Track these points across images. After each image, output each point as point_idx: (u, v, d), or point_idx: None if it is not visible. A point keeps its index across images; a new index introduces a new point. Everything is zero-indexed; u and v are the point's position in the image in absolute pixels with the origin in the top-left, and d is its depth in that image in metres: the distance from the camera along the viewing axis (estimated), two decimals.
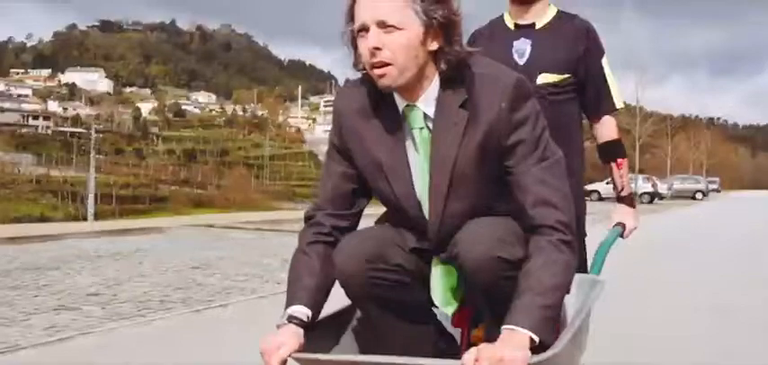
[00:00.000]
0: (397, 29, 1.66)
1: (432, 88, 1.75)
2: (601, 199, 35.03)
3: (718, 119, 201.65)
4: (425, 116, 1.77)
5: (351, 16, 1.74)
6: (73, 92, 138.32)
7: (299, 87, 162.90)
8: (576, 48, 2.56)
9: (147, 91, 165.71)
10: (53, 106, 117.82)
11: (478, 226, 1.73)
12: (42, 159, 78.89)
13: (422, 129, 1.77)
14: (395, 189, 1.80)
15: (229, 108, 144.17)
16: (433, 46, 1.71)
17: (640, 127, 49.81)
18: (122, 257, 9.26)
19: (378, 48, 1.66)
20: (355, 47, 1.76)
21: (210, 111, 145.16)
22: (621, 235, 2.64)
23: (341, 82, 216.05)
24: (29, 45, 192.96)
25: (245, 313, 5.90)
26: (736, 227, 17.76)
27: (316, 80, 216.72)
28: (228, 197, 65.36)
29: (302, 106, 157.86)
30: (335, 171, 1.88)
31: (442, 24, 1.69)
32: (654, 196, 39.56)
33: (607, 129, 2.68)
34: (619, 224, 2.65)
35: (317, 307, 1.80)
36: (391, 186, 1.80)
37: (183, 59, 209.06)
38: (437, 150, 1.75)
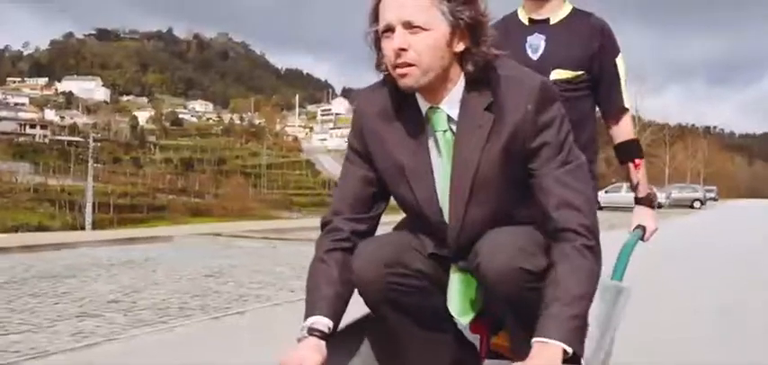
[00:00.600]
0: (424, 29, 1.62)
1: (456, 90, 1.72)
2: (600, 208, 35.10)
3: (715, 127, 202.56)
4: (449, 118, 1.73)
5: (375, 17, 1.70)
6: (69, 100, 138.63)
7: (297, 96, 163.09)
8: (591, 45, 2.52)
9: (144, 99, 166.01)
10: (50, 115, 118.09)
11: (500, 235, 1.69)
12: (40, 168, 79.17)
13: (445, 131, 1.74)
14: (416, 193, 1.76)
15: (226, 117, 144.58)
16: (459, 47, 1.68)
17: (639, 136, 50.02)
18: (135, 265, 9.36)
19: (403, 49, 1.62)
20: (379, 48, 1.73)
21: (208, 119, 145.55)
22: (642, 239, 2.59)
23: (338, 91, 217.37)
24: (25, 53, 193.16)
25: (262, 320, 6.01)
26: (737, 233, 17.92)
27: (313, 89, 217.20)
28: (226, 206, 65.69)
29: (299, 115, 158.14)
30: (355, 174, 1.84)
31: (468, 25, 1.65)
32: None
33: (623, 128, 2.64)
34: (639, 227, 2.61)
35: (337, 316, 1.75)
36: (413, 190, 1.76)
37: (180, 68, 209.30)
38: (460, 153, 1.72)
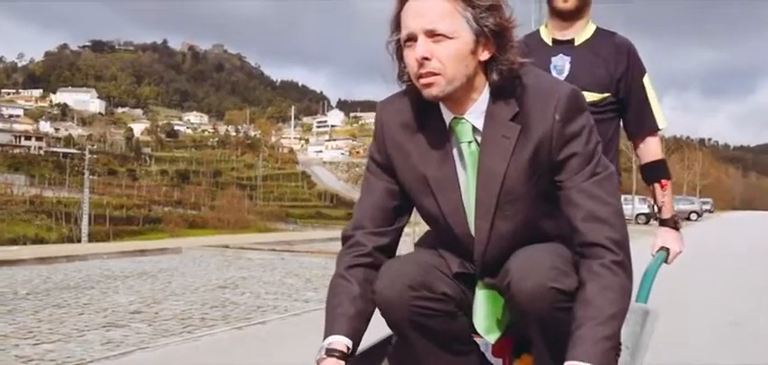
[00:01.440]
0: (447, 38, 1.57)
1: (481, 100, 1.66)
2: None
3: (709, 139, 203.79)
4: (474, 129, 1.67)
5: (396, 25, 1.65)
6: (64, 112, 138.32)
7: (292, 108, 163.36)
8: (617, 67, 2.46)
9: (139, 111, 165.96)
10: (45, 126, 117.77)
11: (531, 253, 1.63)
12: (35, 180, 78.97)
13: (470, 142, 1.68)
14: (442, 207, 1.70)
15: (222, 128, 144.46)
16: (484, 55, 1.61)
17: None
18: (150, 277, 9.48)
19: (426, 58, 1.57)
20: (400, 58, 1.67)
21: (203, 131, 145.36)
22: (666, 261, 2.54)
23: (333, 102, 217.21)
24: (20, 65, 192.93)
25: (283, 329, 6.15)
26: (737, 245, 18.11)
27: (308, 100, 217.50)
28: (222, 218, 65.63)
29: (295, 127, 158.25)
30: (377, 186, 1.78)
31: (493, 32, 1.59)
32: (650, 217, 39.97)
33: (650, 149, 2.58)
34: (663, 248, 2.54)
35: (357, 335, 1.69)
36: (438, 203, 1.70)
37: (175, 80, 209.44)
38: (485, 165, 1.66)
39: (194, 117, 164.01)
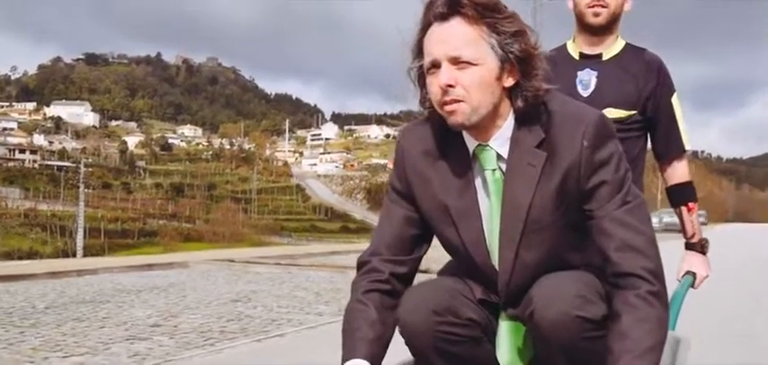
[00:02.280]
0: (472, 65, 1.54)
1: (506, 127, 1.63)
2: None
3: (703, 152, 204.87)
4: (498, 157, 1.64)
5: (418, 51, 1.63)
6: (58, 125, 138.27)
7: (287, 121, 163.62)
8: (646, 85, 2.42)
9: (133, 124, 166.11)
10: (39, 140, 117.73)
11: (554, 281, 1.59)
12: (30, 193, 78.91)
13: (494, 170, 1.64)
14: (463, 236, 1.67)
15: (216, 142, 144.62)
16: (509, 82, 1.59)
17: None
18: (162, 291, 9.62)
19: (451, 85, 1.54)
20: (422, 84, 1.65)
21: (197, 144, 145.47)
22: (692, 286, 2.49)
23: (328, 116, 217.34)
24: (13, 77, 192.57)
25: (301, 342, 6.30)
26: (735, 257, 18.30)
27: (302, 114, 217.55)
28: (217, 231, 65.67)
29: (289, 140, 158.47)
30: (396, 214, 1.75)
31: (518, 59, 1.56)
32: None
33: (677, 171, 2.54)
34: (689, 273, 2.50)
35: (375, 360, 1.65)
36: (459, 233, 1.67)
37: (169, 93, 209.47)
38: (510, 194, 1.62)
39: (188, 130, 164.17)
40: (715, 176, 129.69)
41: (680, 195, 2.56)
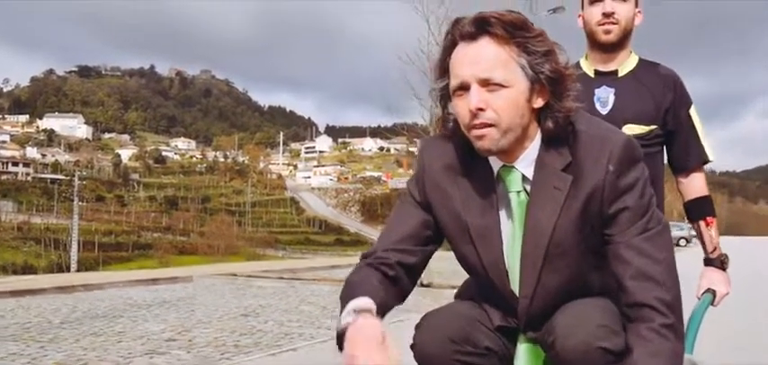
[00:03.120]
0: (503, 87, 1.47)
1: (532, 148, 1.57)
2: None
3: None
4: (523, 178, 1.59)
5: (443, 71, 1.56)
6: (51, 138, 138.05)
7: (281, 134, 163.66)
8: (663, 99, 2.38)
9: (126, 137, 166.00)
10: (32, 152, 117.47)
11: (577, 310, 1.55)
12: (23, 206, 78.73)
13: (519, 192, 1.59)
14: (482, 256, 1.61)
15: (210, 154, 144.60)
16: (539, 103, 1.52)
17: None
18: (172, 305, 9.77)
19: (481, 109, 1.47)
20: (444, 104, 1.60)
21: (191, 157, 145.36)
22: (712, 304, 2.38)
23: (322, 128, 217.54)
24: (6, 90, 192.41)
25: (314, 355, 6.45)
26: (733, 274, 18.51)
27: (296, 126, 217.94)
28: (212, 244, 65.58)
29: (283, 152, 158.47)
30: (410, 214, 1.68)
31: (549, 79, 1.50)
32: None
33: (696, 185, 2.49)
34: (709, 290, 2.40)
35: (382, 308, 1.51)
36: (478, 253, 1.62)
37: (163, 105, 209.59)
38: (534, 217, 1.57)
39: (182, 143, 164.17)
40: (709, 189, 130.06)
41: (699, 210, 2.50)
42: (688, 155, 2.47)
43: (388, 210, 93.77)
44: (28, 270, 46.82)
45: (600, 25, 2.37)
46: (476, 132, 1.50)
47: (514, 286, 1.61)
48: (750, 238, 66.90)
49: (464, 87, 1.50)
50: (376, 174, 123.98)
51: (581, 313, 1.54)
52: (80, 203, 62.52)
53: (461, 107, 1.51)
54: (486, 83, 1.47)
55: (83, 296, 10.87)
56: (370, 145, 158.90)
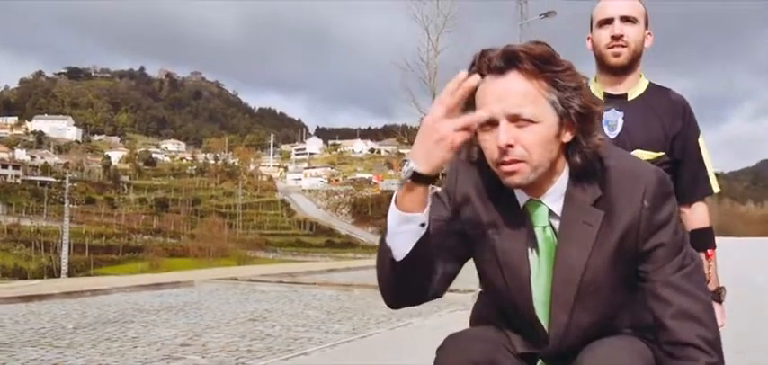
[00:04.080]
0: (532, 123, 1.44)
1: (560, 182, 1.54)
2: None
3: None
4: (550, 213, 1.56)
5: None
6: (40, 140, 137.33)
7: (272, 136, 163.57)
8: (673, 125, 2.34)
9: (116, 139, 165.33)
10: (21, 154, 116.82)
11: (607, 350, 1.53)
12: (12, 209, 78.33)
13: (545, 227, 1.57)
14: (508, 281, 1.59)
15: (200, 156, 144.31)
16: (567, 137, 1.50)
17: None
18: (179, 310, 9.94)
19: (510, 146, 1.44)
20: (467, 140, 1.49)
21: (181, 159, 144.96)
22: None
23: (312, 130, 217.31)
24: None
25: (326, 360, 6.65)
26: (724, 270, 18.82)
27: (286, 128, 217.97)
28: (202, 246, 65.46)
29: (273, 154, 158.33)
30: (438, 213, 1.59)
31: (579, 115, 1.47)
32: None
33: (698, 215, 2.45)
34: None
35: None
36: (504, 277, 1.59)
37: (152, 107, 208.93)
38: (564, 254, 1.54)
39: (172, 144, 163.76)
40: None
41: (701, 241, 2.43)
42: (695, 186, 2.43)
43: (378, 212, 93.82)
44: (18, 273, 46.74)
45: (609, 48, 2.34)
46: (505, 168, 1.48)
47: (541, 317, 1.59)
48: (740, 239, 67.53)
49: (492, 123, 1.47)
50: (366, 176, 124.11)
51: (610, 354, 1.52)
52: (72, 206, 62.34)
53: (489, 142, 1.49)
54: (515, 118, 1.45)
55: (89, 301, 11.03)
56: (360, 147, 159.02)
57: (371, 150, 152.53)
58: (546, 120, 1.45)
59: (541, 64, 1.45)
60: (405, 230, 1.45)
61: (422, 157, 1.39)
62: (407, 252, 1.46)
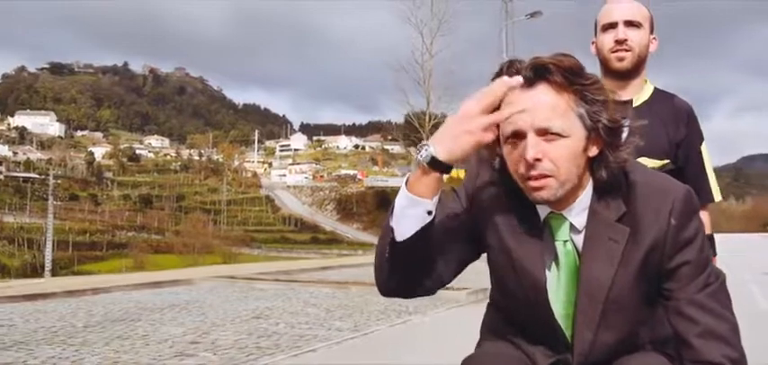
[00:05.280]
0: (561, 137, 1.42)
1: (583, 197, 1.51)
2: None
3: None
4: (572, 227, 1.53)
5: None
6: (23, 135, 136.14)
7: (256, 132, 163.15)
8: (677, 132, 2.33)
9: (99, 135, 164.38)
10: (3, 150, 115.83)
11: None
12: None
13: (566, 242, 1.54)
14: (523, 283, 1.56)
15: (185, 152, 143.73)
16: (593, 151, 1.47)
17: None
18: (183, 308, 10.12)
19: (538, 160, 1.42)
20: (489, 147, 1.51)
21: (165, 155, 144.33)
22: None
23: (296, 126, 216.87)
24: None
25: (334, 356, 6.87)
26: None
27: (271, 124, 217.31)
28: (187, 242, 65.19)
29: (258, 150, 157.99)
30: (450, 207, 1.61)
31: (607, 130, 1.45)
32: None
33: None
34: None
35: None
36: (519, 278, 1.57)
37: (136, 103, 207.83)
38: (589, 271, 1.51)
39: (156, 140, 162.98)
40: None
41: None
42: (698, 193, 2.44)
43: (363, 209, 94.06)
44: (2, 270, 46.47)
45: (613, 52, 2.34)
46: (532, 183, 1.45)
47: (565, 335, 1.57)
48: (724, 235, 68.46)
49: (519, 135, 1.44)
50: (351, 172, 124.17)
51: None
52: (55, 203, 61.95)
53: (515, 155, 1.46)
54: (543, 132, 1.42)
55: (92, 299, 11.18)
56: (344, 143, 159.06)
57: (356, 146, 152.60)
58: (574, 135, 1.44)
59: (571, 76, 1.44)
60: (411, 214, 1.45)
61: (446, 144, 1.42)
62: (409, 235, 1.46)
